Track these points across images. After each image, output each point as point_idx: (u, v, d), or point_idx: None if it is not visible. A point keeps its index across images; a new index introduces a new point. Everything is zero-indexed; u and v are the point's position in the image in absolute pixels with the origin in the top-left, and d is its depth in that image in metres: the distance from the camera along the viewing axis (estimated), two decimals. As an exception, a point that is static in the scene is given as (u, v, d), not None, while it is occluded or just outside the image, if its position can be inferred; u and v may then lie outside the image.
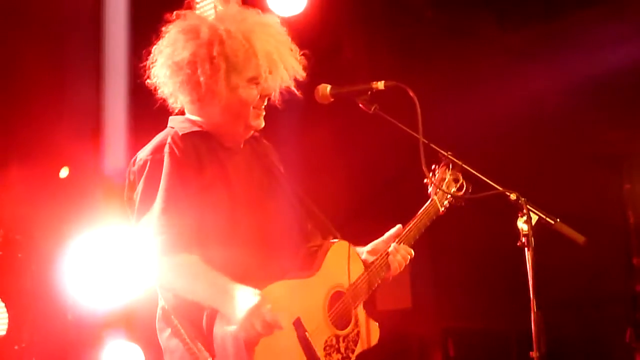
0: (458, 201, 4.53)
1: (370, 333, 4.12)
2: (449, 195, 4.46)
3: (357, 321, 4.05)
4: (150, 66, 4.03)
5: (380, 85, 3.96)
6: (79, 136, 7.07)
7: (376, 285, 4.19)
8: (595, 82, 7.77)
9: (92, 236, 7.26)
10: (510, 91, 7.92)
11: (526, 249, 3.62)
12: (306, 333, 3.71)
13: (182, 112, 4.10)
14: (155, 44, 4.02)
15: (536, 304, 3.56)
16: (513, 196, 3.73)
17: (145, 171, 3.83)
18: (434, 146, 3.87)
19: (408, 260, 4.32)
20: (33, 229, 7.25)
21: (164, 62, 3.97)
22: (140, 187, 3.83)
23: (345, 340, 3.97)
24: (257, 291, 3.63)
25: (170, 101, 4.07)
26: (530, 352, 3.56)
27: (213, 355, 3.68)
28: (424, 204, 4.47)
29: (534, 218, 3.66)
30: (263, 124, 4.08)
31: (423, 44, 8.05)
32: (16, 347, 7.10)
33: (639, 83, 7.77)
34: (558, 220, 3.69)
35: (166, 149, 3.85)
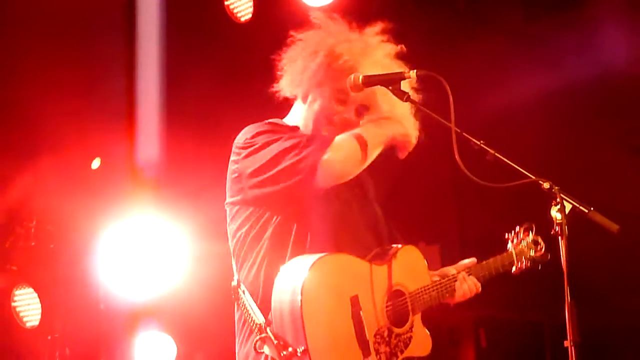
0: (534, 265, 4.66)
1: (423, 343, 4.11)
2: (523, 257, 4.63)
3: (412, 326, 4.04)
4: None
5: (413, 74, 3.94)
6: (111, 127, 7.10)
7: (435, 303, 4.20)
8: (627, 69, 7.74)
9: (124, 227, 7.30)
10: (540, 81, 7.89)
11: (560, 237, 3.61)
12: (360, 312, 3.78)
13: None
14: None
15: (570, 293, 3.55)
16: (546, 185, 3.70)
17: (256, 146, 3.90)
18: (466, 135, 3.85)
19: (473, 294, 4.36)
20: (65, 220, 7.29)
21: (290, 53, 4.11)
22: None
23: (398, 338, 3.97)
24: None
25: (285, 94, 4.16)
26: (565, 342, 3.55)
27: (269, 322, 3.76)
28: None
29: (568, 207, 3.64)
30: None
31: (454, 35, 8.05)
32: (49, 337, 7.16)
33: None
34: (592, 208, 3.67)
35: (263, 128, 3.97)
